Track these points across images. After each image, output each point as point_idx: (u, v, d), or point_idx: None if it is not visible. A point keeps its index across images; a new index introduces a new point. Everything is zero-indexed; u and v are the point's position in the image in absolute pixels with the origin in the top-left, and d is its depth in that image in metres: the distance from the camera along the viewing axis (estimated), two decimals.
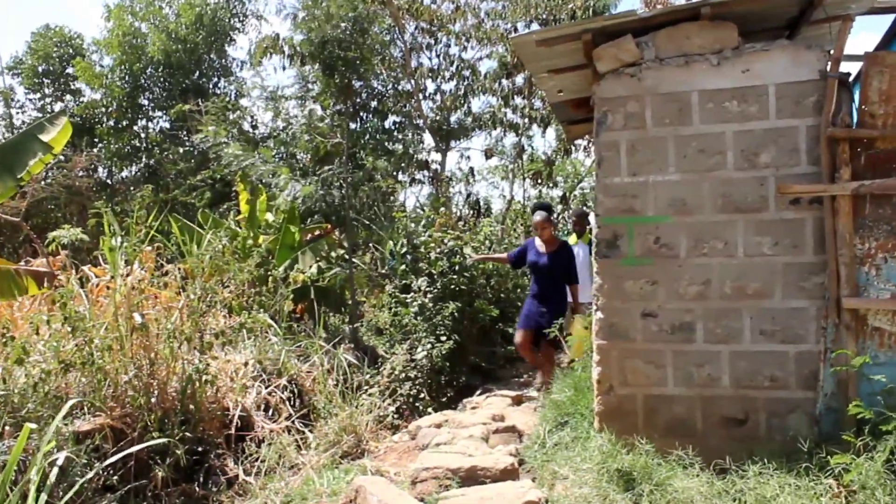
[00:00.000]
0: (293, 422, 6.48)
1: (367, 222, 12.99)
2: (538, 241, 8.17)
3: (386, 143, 14.62)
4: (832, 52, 5.04)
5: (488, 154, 16.43)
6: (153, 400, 5.60)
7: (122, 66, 18.15)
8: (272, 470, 5.66)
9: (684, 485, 4.47)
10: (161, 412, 5.56)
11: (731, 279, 5.10)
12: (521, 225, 13.60)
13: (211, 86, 19.17)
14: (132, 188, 18.26)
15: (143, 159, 18.80)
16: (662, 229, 5.20)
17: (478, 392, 8.63)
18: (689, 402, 5.19)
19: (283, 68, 19.91)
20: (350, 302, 11.88)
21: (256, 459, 5.80)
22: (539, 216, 8.20)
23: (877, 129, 4.94)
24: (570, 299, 8.34)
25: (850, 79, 5.09)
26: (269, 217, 12.50)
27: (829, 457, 4.38)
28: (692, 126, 5.16)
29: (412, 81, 15.24)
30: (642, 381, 5.21)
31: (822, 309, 4.99)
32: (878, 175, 4.91)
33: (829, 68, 4.99)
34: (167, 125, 18.95)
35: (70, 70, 18.31)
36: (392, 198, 14.46)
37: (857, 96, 5.08)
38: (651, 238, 5.22)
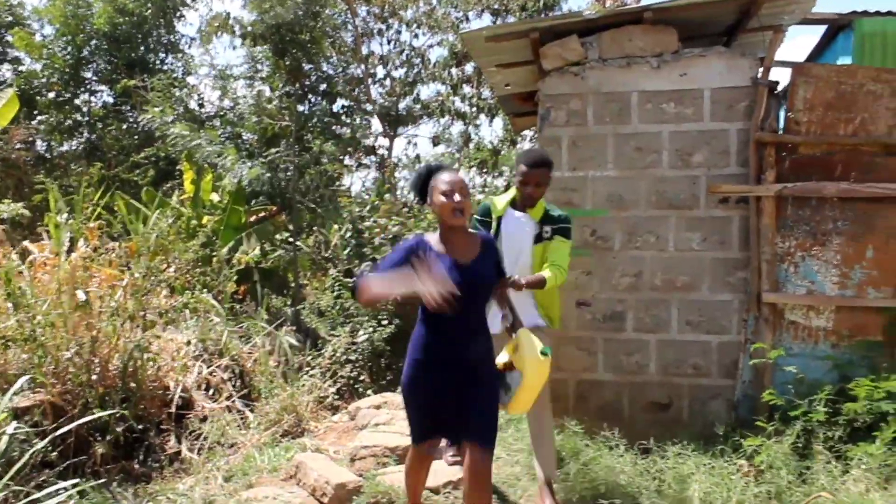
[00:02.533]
0: (234, 401, 6.51)
1: (313, 206, 13.01)
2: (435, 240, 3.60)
3: (334, 127, 14.60)
4: (764, 60, 5.32)
5: (435, 141, 16.58)
6: (94, 377, 5.54)
7: (65, 37, 17.72)
8: (213, 448, 5.70)
9: (610, 464, 4.74)
10: (102, 389, 5.52)
11: (661, 272, 5.37)
12: None
13: (158, 61, 18.81)
14: (72, 163, 17.88)
15: (85, 134, 18.40)
16: (599, 222, 5.45)
17: None
18: (618, 388, 5.46)
19: (234, 48, 19.71)
20: (293, 284, 11.90)
21: (198, 437, 5.84)
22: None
23: (801, 136, 5.25)
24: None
25: (780, 87, 5.39)
26: (215, 197, 12.42)
27: (742, 439, 4.69)
28: (631, 125, 5.41)
29: (362, 66, 15.29)
30: (574, 367, 5.46)
31: (745, 302, 5.31)
32: (800, 179, 5.23)
33: (760, 76, 5.27)
34: (111, 100, 18.57)
35: (9, 38, 17.81)
36: (338, 182, 14.47)
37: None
38: (588, 230, 5.46)
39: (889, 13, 6.64)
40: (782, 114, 5.40)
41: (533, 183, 4.32)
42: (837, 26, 6.92)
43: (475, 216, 4.50)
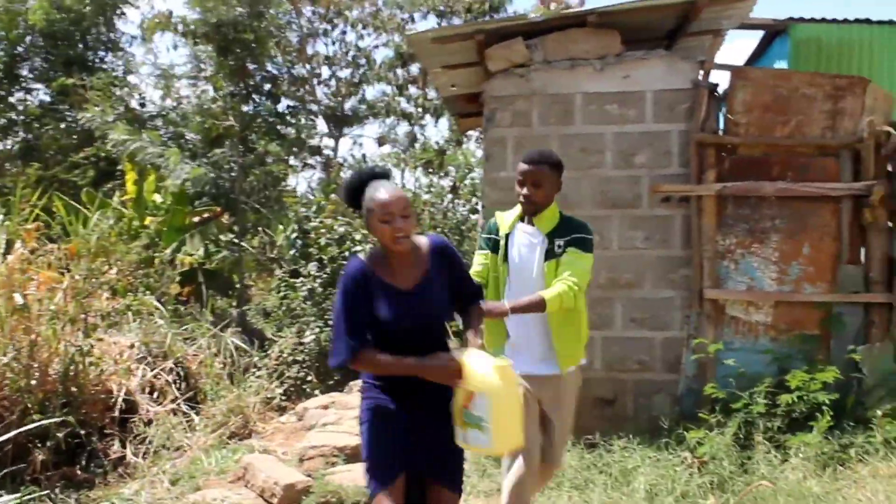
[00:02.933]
0: (179, 404, 6.42)
1: (258, 206, 12.87)
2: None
3: (279, 127, 14.45)
4: (704, 63, 5.46)
5: (381, 142, 16.57)
6: (33, 382, 5.44)
7: None
8: (158, 451, 5.62)
9: None
10: (42, 394, 5.42)
11: (606, 270, 5.47)
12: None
13: (97, 60, 18.38)
14: (7, 163, 17.38)
15: (21, 133, 17.89)
16: None
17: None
18: None
19: (175, 47, 19.37)
20: (238, 285, 11.76)
21: (142, 441, 5.76)
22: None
23: (740, 137, 5.42)
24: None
25: (720, 89, 5.54)
26: (157, 198, 12.21)
27: (686, 432, 4.82)
28: (575, 126, 5.51)
29: (307, 66, 15.19)
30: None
31: (687, 299, 5.45)
32: (739, 178, 5.38)
33: (700, 79, 5.41)
34: (48, 98, 18.08)
35: None
36: (283, 182, 14.33)
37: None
38: None
39: (823, 20, 6.88)
40: (722, 116, 5.54)
41: (529, 182, 3.53)
42: (774, 32, 7.14)
43: (481, 234, 3.89)
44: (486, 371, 2.76)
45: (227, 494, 4.69)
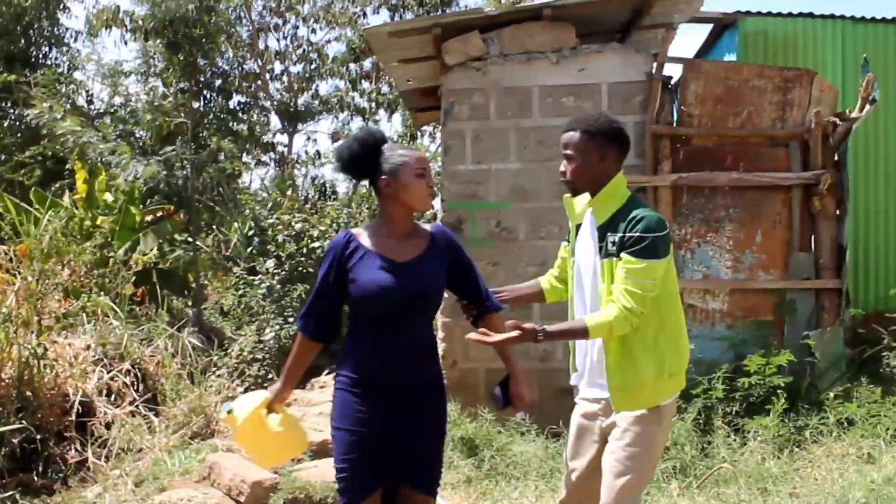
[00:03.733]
0: (137, 406, 6.33)
1: (212, 204, 12.72)
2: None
3: (231, 124, 14.30)
4: (658, 56, 5.55)
5: (335, 137, 16.43)
6: None
7: None
8: (118, 454, 5.54)
9: (522, 449, 4.86)
10: None
11: None
12: (367, 208, 13.65)
13: (41, 55, 17.96)
14: None
15: None
16: (504, 214, 5.57)
17: (325, 372, 8.74)
18: (527, 375, 5.54)
19: (125, 43, 18.98)
20: (194, 285, 11.62)
21: (102, 444, 5.67)
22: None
23: (693, 128, 5.52)
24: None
25: (673, 81, 5.64)
26: (109, 197, 11.98)
27: None
28: (532, 119, 5.56)
29: (259, 62, 15.03)
30: (484, 356, 5.53)
31: None
32: (694, 169, 5.48)
33: (654, 71, 5.50)
34: None
35: None
36: (237, 180, 14.17)
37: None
38: (493, 222, 5.58)
39: (769, 13, 7.03)
40: (676, 108, 5.64)
41: (564, 155, 2.78)
42: (723, 25, 7.27)
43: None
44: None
45: (193, 494, 4.63)
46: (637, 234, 2.61)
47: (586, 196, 2.84)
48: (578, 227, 2.89)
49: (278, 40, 15.48)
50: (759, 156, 5.52)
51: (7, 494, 4.99)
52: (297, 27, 15.28)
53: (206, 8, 11.28)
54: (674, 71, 5.77)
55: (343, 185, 16.64)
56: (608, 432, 2.77)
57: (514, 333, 2.56)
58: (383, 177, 2.68)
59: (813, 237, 5.56)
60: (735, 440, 4.73)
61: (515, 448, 4.91)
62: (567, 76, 5.57)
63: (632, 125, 5.50)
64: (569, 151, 2.75)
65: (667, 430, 2.88)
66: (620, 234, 2.65)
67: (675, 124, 5.60)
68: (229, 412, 2.82)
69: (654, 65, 5.51)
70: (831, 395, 5.01)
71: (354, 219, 13.30)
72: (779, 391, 4.85)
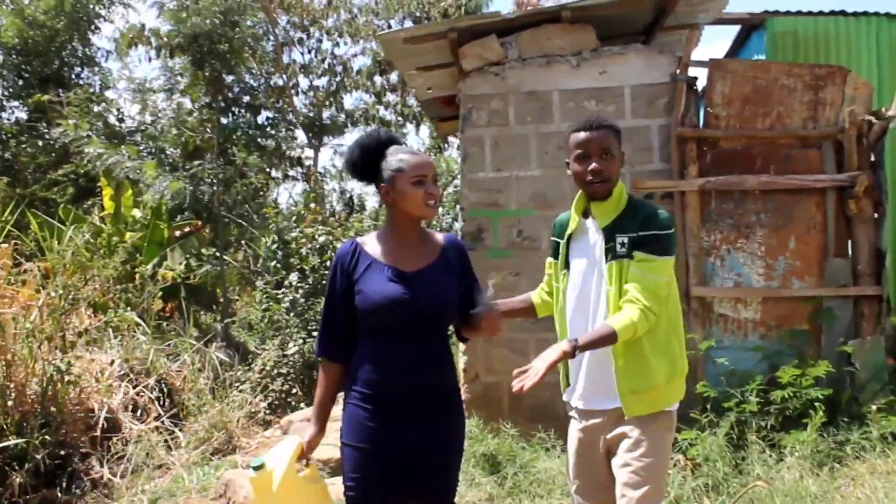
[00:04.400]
0: (162, 421, 6.28)
1: (239, 219, 12.73)
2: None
3: (259, 139, 14.34)
4: (682, 57, 5.37)
5: None
6: (10, 403, 5.30)
7: None
8: (138, 470, 5.50)
9: (546, 465, 4.70)
10: (19, 415, 5.28)
11: None
12: None
13: (73, 76, 18.20)
14: None
15: None
16: (525, 222, 5.41)
17: None
18: (552, 388, 5.34)
19: (149, 59, 19.14)
20: (222, 300, 11.63)
21: (122, 460, 5.63)
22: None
23: (720, 130, 5.34)
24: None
25: (698, 83, 5.46)
26: (137, 213, 12.07)
27: (677, 434, 4.69)
28: (553, 123, 5.40)
29: (284, 76, 15.04)
30: (507, 369, 5.33)
31: None
32: (722, 172, 5.29)
33: (678, 72, 5.32)
34: (24, 116, 17.88)
35: None
36: (263, 194, 14.18)
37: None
38: (514, 231, 5.42)
39: (799, 13, 6.81)
40: (702, 109, 5.46)
41: (597, 153, 2.67)
42: (750, 26, 7.06)
43: (552, 237, 3.00)
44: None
45: None
46: (651, 231, 2.60)
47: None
48: (570, 237, 2.83)
49: (302, 54, 15.49)
50: (791, 158, 5.30)
51: None
52: (321, 41, 15.26)
53: (231, 23, 11.31)
54: (699, 74, 5.61)
55: (373, 198, 16.63)
56: (613, 444, 2.70)
57: (556, 357, 2.46)
58: (382, 184, 2.59)
59: (850, 242, 5.33)
60: (770, 456, 4.52)
61: (539, 465, 4.76)
62: (588, 79, 5.42)
63: (656, 128, 5.36)
64: (608, 147, 2.68)
65: (673, 434, 2.82)
66: (633, 234, 2.61)
67: (701, 126, 5.41)
68: (258, 468, 2.42)
69: (679, 66, 5.33)
70: (873, 407, 4.77)
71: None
72: (816, 404, 4.63)
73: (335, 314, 2.63)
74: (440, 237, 2.73)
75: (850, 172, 5.21)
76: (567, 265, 2.83)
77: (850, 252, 5.33)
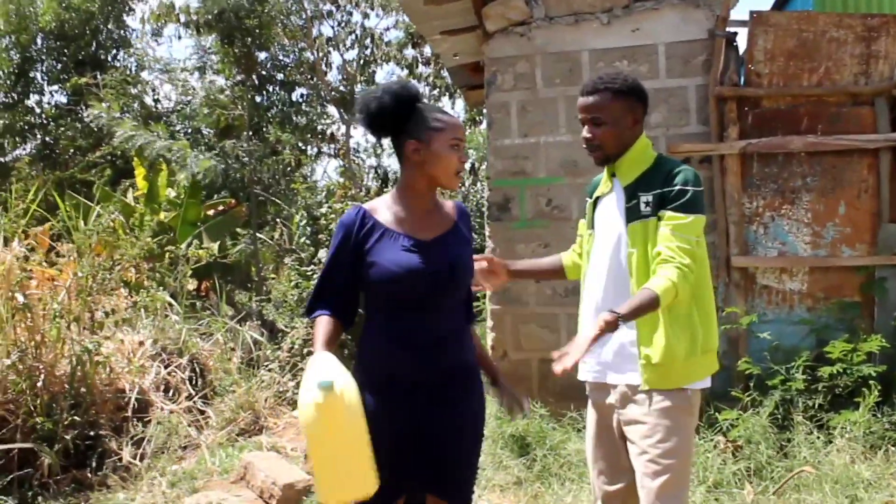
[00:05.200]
0: (194, 401, 6.25)
1: (274, 197, 12.65)
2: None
3: (294, 117, 14.24)
4: (720, 10, 5.04)
5: None
6: (39, 384, 5.27)
7: (9, 37, 17.17)
8: (160, 452, 5.45)
9: (578, 447, 4.47)
10: (48, 396, 5.26)
11: None
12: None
13: (109, 58, 18.30)
14: (27, 167, 17.39)
15: (39, 136, 17.89)
16: (554, 190, 5.15)
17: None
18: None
19: (178, 38, 19.12)
20: (256, 278, 11.58)
21: (147, 441, 5.58)
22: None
23: (763, 88, 5.02)
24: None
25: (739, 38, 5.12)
26: (171, 193, 12.07)
27: (718, 413, 4.44)
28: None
29: (314, 52, 14.86)
30: (537, 346, 5.18)
31: (713, 268, 5.00)
32: (764, 134, 4.97)
33: (717, 28, 5.00)
34: (63, 99, 18.06)
35: None
36: (297, 171, 14.09)
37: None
38: (543, 200, 5.17)
39: None
40: (743, 67, 5.13)
41: (588, 120, 2.54)
42: None
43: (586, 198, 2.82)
44: (306, 396, 2.08)
45: (224, 496, 4.50)
46: (678, 187, 2.43)
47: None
48: (597, 200, 2.69)
49: (333, 28, 15.27)
50: (840, 116, 4.93)
51: (60, 491, 4.95)
52: (350, 13, 15.01)
53: None
54: (740, 30, 5.25)
55: None
56: (627, 429, 2.51)
57: (598, 332, 2.22)
58: (411, 140, 2.34)
59: None
60: (818, 438, 4.21)
61: (570, 446, 4.53)
62: (620, 38, 5.11)
63: (693, 88, 5.05)
64: (598, 116, 2.52)
65: (696, 419, 2.61)
66: (658, 191, 2.45)
67: (742, 85, 5.06)
68: (328, 388, 2.03)
69: (717, 21, 4.99)
70: None
71: None
72: (869, 382, 4.31)
73: (335, 282, 2.40)
74: (450, 204, 2.52)
75: None
76: (593, 226, 2.68)
77: None
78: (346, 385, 2.10)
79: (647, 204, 2.46)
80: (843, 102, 4.96)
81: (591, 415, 2.69)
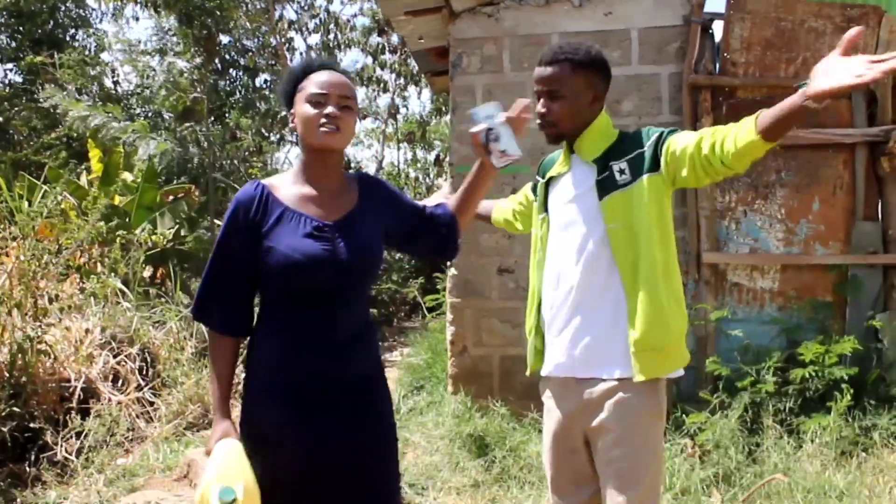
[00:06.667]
0: (144, 392, 6.04)
1: (234, 184, 12.34)
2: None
3: (257, 102, 13.95)
4: None
5: (361, 115, 15.94)
6: None
7: None
8: (98, 447, 5.17)
9: (539, 449, 4.29)
10: None
11: None
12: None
13: (67, 37, 17.84)
14: None
15: None
16: (520, 179, 4.95)
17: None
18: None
19: (136, 19, 18.70)
20: None
21: (86, 435, 5.30)
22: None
23: (738, 78, 4.92)
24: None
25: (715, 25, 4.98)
26: (128, 177, 11.71)
27: (685, 416, 4.30)
28: None
29: (276, 35, 14.54)
30: (498, 341, 5.01)
31: (683, 264, 4.87)
32: None
33: (692, 14, 4.86)
34: (18, 79, 17.55)
35: None
36: (257, 158, 13.80)
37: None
38: (508, 189, 4.94)
39: None
40: (717, 55, 5.00)
41: (545, 94, 2.39)
42: None
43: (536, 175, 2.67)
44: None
45: (163, 496, 4.26)
46: (657, 133, 2.26)
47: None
48: (550, 181, 2.49)
49: (297, 12, 14.95)
50: (816, 110, 4.77)
51: None
52: None
53: None
54: (716, 17, 5.11)
55: (370, 163, 16.26)
56: (593, 436, 2.26)
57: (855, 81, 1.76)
58: (290, 112, 2.12)
59: (880, 204, 4.87)
60: (789, 443, 4.10)
61: (531, 448, 4.36)
62: (592, 21, 4.95)
63: (666, 76, 4.92)
64: (554, 89, 2.34)
65: (665, 422, 2.36)
66: (633, 153, 2.26)
67: (717, 74, 4.92)
68: (233, 502, 1.81)
69: (693, 6, 4.83)
70: None
71: None
72: (841, 384, 4.20)
73: (232, 277, 2.05)
74: (355, 177, 2.21)
75: (884, 126, 4.74)
76: (546, 209, 2.45)
77: (880, 216, 4.87)
78: (249, 489, 1.84)
79: (621, 172, 2.25)
80: None
81: (549, 418, 2.43)
